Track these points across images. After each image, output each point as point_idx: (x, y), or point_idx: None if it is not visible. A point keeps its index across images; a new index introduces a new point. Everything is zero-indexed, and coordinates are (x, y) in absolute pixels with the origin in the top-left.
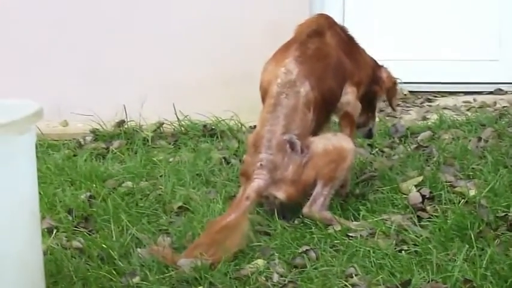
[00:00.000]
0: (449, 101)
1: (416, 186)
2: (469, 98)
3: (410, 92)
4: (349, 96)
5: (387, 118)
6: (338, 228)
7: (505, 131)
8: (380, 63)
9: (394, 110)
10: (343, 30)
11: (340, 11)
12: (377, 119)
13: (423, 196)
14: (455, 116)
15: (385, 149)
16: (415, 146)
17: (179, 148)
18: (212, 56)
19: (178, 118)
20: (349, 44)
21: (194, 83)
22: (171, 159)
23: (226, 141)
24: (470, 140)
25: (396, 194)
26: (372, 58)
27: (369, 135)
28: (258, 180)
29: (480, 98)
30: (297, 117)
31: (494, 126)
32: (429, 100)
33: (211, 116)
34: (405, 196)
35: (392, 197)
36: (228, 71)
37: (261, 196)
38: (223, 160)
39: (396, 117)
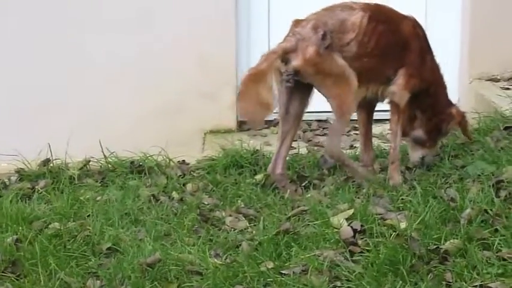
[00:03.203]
0: (376, 129)
1: (347, 219)
2: None
3: None
4: (395, 87)
5: (315, 149)
6: (270, 265)
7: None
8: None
9: (470, 139)
10: (425, 37)
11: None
12: (433, 153)
13: (354, 230)
14: (382, 144)
15: (315, 181)
16: (344, 177)
17: (107, 186)
18: (138, 91)
19: (104, 155)
20: (423, 48)
21: (121, 119)
22: (98, 198)
23: (155, 177)
24: None
25: (327, 229)
26: (445, 85)
27: (421, 163)
28: (286, 43)
29: None
30: (340, 30)
31: None
32: (356, 128)
33: (138, 152)
34: (336, 230)
35: (323, 231)
36: (155, 105)
37: (286, 53)
38: (152, 197)
39: (323, 147)
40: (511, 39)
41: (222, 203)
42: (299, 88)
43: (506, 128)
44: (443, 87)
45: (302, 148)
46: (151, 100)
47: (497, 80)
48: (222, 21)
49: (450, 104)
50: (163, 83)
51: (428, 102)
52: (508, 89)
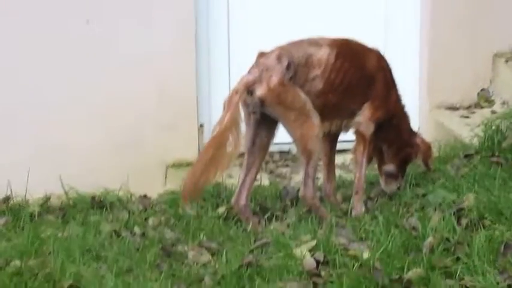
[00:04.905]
0: (338, 159)
1: (310, 250)
2: None
3: None
4: (361, 118)
5: (278, 180)
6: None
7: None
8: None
9: (429, 169)
10: (390, 69)
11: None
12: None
13: (317, 261)
14: (344, 174)
15: (278, 213)
16: (306, 208)
17: (68, 222)
18: (99, 126)
19: (65, 191)
20: (388, 80)
21: (81, 153)
22: (59, 235)
23: (116, 212)
24: None
25: (290, 260)
26: (407, 115)
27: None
28: (248, 75)
29: None
30: (306, 65)
31: None
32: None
33: (99, 187)
34: (300, 262)
35: (286, 263)
36: (116, 139)
37: (249, 89)
38: (113, 233)
39: (286, 179)
40: (470, 68)
41: (184, 236)
42: (265, 120)
43: (466, 156)
44: (405, 117)
45: (264, 180)
46: (111, 134)
47: (457, 108)
48: (182, 54)
49: (413, 133)
50: (122, 117)
51: (392, 134)
52: (467, 117)
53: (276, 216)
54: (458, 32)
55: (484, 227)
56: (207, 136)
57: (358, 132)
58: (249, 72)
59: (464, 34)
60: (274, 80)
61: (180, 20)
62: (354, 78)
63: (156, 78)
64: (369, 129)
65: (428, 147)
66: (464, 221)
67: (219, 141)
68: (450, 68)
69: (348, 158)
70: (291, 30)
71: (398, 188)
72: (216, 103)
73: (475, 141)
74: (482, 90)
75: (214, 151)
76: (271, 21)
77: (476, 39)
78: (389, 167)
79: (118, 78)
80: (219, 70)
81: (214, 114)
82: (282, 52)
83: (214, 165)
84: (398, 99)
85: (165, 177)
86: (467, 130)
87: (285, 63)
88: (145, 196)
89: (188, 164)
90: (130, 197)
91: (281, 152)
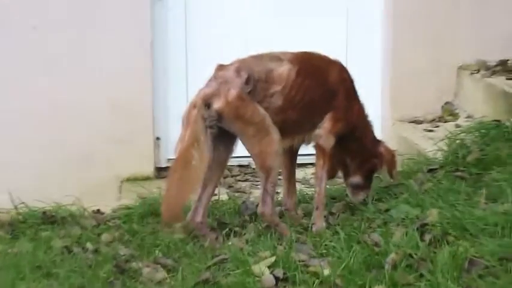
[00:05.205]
0: (298, 173)
1: (269, 267)
2: None
3: None
4: (321, 131)
5: (237, 195)
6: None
7: (356, 205)
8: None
9: (394, 179)
10: (351, 81)
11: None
12: (369, 193)
13: (277, 278)
14: (305, 189)
15: (236, 229)
16: (266, 224)
17: (17, 238)
18: (51, 138)
19: (15, 206)
20: (350, 92)
21: (34, 168)
22: (9, 251)
23: (68, 228)
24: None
25: (249, 277)
26: (370, 125)
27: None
28: (206, 88)
29: None
30: (266, 80)
31: (346, 199)
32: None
33: (51, 201)
34: (258, 279)
35: (244, 280)
36: (68, 153)
37: (206, 102)
38: (65, 249)
39: (246, 193)
40: (434, 81)
41: (139, 253)
42: (224, 134)
43: (430, 171)
44: (368, 128)
45: (223, 194)
46: (65, 148)
47: (420, 122)
48: (138, 66)
49: (377, 142)
50: (77, 131)
51: (356, 146)
52: (431, 130)
53: (234, 232)
54: (423, 45)
55: (447, 243)
56: (164, 149)
57: (317, 146)
58: (207, 85)
59: (429, 47)
60: (233, 93)
61: (137, 32)
62: (316, 94)
63: (111, 90)
64: (329, 142)
65: (392, 155)
66: (427, 237)
67: (184, 161)
68: (414, 81)
69: (309, 172)
70: (251, 44)
71: (364, 200)
72: (173, 115)
73: (439, 155)
74: (446, 103)
75: (182, 171)
76: (230, 35)
77: (440, 52)
78: (356, 179)
79: (71, 91)
80: (176, 82)
81: (172, 126)
82: (242, 65)
83: (186, 185)
84: (360, 110)
85: (120, 193)
86: (431, 144)
87: (245, 76)
88: (98, 211)
89: (144, 179)
90: (83, 212)
91: (240, 166)
